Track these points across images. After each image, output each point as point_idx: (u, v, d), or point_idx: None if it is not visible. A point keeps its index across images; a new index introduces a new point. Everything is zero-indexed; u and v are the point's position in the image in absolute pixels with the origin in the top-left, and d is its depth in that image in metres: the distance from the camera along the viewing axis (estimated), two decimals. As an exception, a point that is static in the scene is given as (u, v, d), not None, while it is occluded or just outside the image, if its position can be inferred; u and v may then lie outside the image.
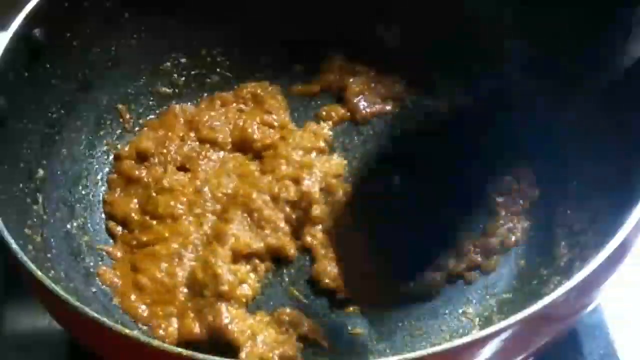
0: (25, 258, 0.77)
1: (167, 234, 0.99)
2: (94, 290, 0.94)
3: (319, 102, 1.17)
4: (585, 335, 0.95)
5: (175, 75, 1.15)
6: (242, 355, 0.88)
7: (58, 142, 1.01)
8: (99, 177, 1.06)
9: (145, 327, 0.93)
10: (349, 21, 1.15)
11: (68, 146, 1.02)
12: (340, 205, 1.02)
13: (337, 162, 1.07)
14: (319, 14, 1.15)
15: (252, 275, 0.97)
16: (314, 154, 1.07)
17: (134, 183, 1.04)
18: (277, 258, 1.00)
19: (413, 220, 1.01)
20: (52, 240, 0.93)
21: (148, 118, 1.13)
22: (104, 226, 1.03)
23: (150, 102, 1.13)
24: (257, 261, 0.98)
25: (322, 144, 1.09)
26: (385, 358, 0.75)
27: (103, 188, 1.06)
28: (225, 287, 0.92)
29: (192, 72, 1.16)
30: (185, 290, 0.95)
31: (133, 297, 0.94)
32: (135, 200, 1.03)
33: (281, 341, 0.90)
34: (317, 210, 1.01)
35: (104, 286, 0.96)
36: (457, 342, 0.69)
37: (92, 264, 0.97)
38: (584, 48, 0.95)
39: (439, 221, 1.00)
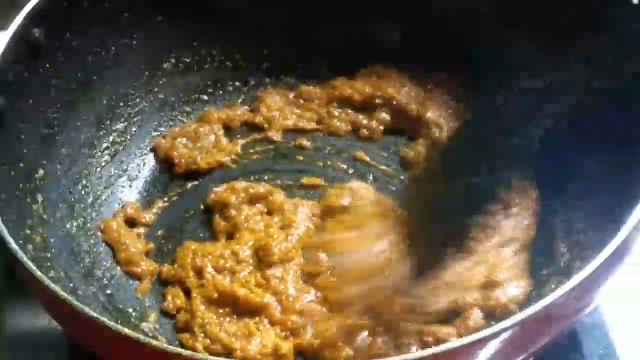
0: (25, 258, 0.77)
1: None
2: (94, 290, 0.94)
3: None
4: (585, 335, 0.95)
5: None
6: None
7: (58, 142, 1.01)
8: (99, 177, 1.06)
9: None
10: (351, 21, 1.16)
11: (68, 146, 1.02)
12: None
13: None
14: (320, 14, 1.15)
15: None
16: None
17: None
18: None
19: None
20: (52, 240, 0.93)
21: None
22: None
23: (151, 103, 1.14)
24: None
25: None
26: (386, 358, 0.75)
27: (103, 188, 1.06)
28: None
29: (192, 73, 1.16)
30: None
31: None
32: None
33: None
34: None
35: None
36: (457, 342, 0.70)
37: (92, 264, 0.97)
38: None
39: (446, 221, 0.99)
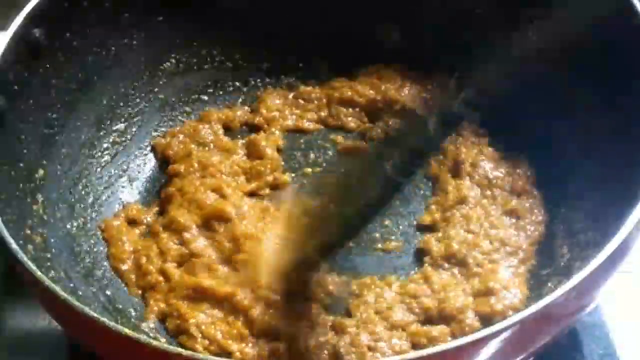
0: (25, 258, 0.77)
1: None
2: (94, 290, 0.94)
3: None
4: (585, 335, 0.95)
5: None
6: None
7: (58, 142, 1.01)
8: (99, 177, 1.06)
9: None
10: (351, 21, 1.16)
11: (68, 146, 1.02)
12: None
13: None
14: (320, 14, 1.15)
15: None
16: None
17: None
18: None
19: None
20: (52, 240, 0.93)
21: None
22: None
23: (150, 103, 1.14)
24: None
25: None
26: (386, 358, 0.75)
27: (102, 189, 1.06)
28: None
29: (192, 73, 1.16)
30: None
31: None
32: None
33: None
34: None
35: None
36: (457, 342, 0.70)
37: (92, 264, 0.97)
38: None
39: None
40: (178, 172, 1.07)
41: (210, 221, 1.00)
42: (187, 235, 0.99)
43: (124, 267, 0.98)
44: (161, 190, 1.07)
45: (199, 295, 0.94)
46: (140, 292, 0.97)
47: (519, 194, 1.02)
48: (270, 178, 1.07)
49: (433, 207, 1.03)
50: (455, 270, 0.95)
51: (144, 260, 0.98)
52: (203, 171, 1.06)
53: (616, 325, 0.97)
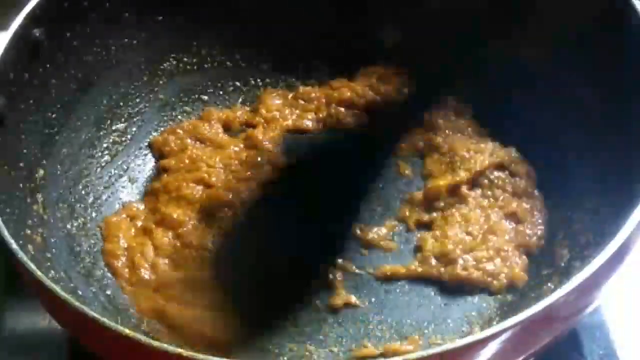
0: (25, 258, 0.77)
1: None
2: (94, 290, 0.94)
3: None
4: (586, 336, 0.95)
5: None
6: None
7: (58, 142, 1.01)
8: (99, 177, 1.06)
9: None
10: (351, 21, 1.16)
11: (68, 146, 1.02)
12: None
13: None
14: (320, 14, 1.15)
15: None
16: None
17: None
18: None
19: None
20: (52, 240, 0.93)
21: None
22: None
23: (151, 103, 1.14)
24: None
25: None
26: (385, 358, 0.75)
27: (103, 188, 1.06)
28: None
29: (192, 73, 1.16)
30: None
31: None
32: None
33: None
34: None
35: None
36: (457, 343, 0.69)
37: (92, 264, 0.97)
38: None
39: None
40: (168, 167, 1.08)
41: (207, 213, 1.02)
42: (182, 230, 1.00)
43: (118, 263, 0.98)
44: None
45: (190, 288, 0.94)
46: (131, 289, 0.97)
47: (520, 196, 1.02)
48: (267, 168, 1.07)
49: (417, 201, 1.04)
50: (442, 269, 0.96)
51: (137, 256, 0.98)
52: (192, 165, 1.07)
53: (616, 325, 0.97)
